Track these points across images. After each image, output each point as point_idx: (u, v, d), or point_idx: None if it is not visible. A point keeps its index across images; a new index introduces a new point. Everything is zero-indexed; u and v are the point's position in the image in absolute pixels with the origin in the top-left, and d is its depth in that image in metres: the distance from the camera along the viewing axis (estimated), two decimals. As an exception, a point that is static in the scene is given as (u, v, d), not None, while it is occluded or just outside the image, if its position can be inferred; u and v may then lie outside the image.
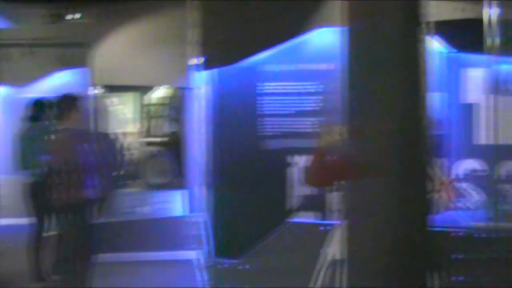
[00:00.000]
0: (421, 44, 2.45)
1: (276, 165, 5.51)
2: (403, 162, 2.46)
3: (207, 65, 5.64)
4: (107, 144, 8.50)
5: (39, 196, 6.30)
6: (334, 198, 5.37)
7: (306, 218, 5.36)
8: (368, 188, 2.50)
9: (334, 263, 3.74)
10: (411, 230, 2.47)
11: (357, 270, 2.54)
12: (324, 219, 5.38)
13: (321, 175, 3.75)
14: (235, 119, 5.60)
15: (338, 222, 5.13)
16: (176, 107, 8.51)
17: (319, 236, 5.25)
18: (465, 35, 5.15)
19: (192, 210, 7.99)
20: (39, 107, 6.81)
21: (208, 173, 6.36)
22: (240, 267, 5.45)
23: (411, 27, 2.46)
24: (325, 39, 5.40)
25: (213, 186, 5.83)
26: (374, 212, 2.49)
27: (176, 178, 8.34)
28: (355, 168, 3.70)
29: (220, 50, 5.53)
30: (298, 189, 5.43)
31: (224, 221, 5.64)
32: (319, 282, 3.73)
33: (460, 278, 4.74)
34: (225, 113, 5.65)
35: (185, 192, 8.17)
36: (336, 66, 5.38)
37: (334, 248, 3.78)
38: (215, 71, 5.75)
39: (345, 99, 2.58)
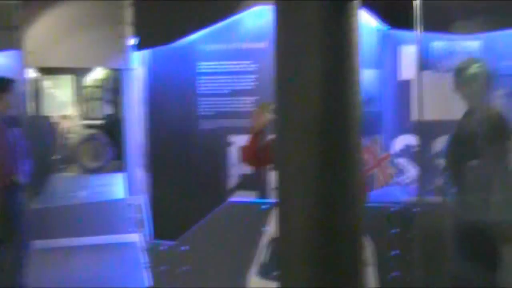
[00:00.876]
0: (353, 21, 2.42)
1: (214, 145, 5.47)
2: (332, 143, 2.42)
3: (141, 45, 5.54)
4: (42, 128, 8.36)
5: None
6: (273, 177, 5.40)
7: (246, 197, 5.34)
8: (295, 170, 2.46)
9: (274, 241, 3.72)
10: (341, 212, 2.44)
11: (288, 252, 2.51)
12: (264, 198, 5.38)
13: (256, 155, 3.77)
14: (171, 100, 5.53)
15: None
16: (112, 89, 8.37)
17: (259, 215, 5.26)
18: (399, 12, 5.19)
19: (131, 193, 7.92)
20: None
21: (146, 155, 6.29)
22: (179, 248, 5.40)
23: (341, 3, 2.41)
24: (259, 18, 5.37)
25: (151, 167, 5.76)
26: (301, 194, 2.45)
27: (114, 161, 8.23)
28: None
29: (153, 30, 5.44)
30: (238, 168, 5.41)
31: (163, 202, 5.59)
32: (261, 260, 3.71)
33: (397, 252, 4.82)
34: (160, 93, 5.57)
35: (124, 175, 8.09)
36: (269, 44, 5.40)
37: (274, 227, 3.78)
38: (149, 51, 5.65)
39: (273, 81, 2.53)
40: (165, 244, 5.52)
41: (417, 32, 3.10)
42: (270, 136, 3.93)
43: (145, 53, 5.70)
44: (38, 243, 6.25)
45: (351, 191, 2.48)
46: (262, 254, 3.77)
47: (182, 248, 5.41)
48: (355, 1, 2.43)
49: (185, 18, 5.30)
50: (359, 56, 2.45)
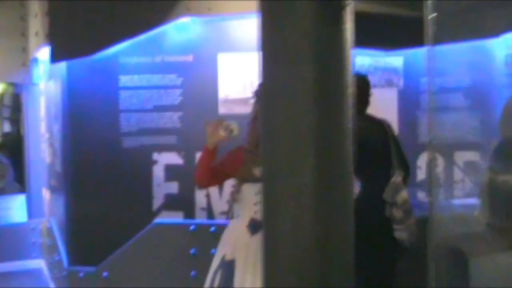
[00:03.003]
0: (345, 28, 2.27)
1: (138, 163, 5.18)
2: (326, 153, 2.26)
3: (54, 58, 5.16)
4: None
5: None
6: (202, 197, 5.19)
7: (173, 218, 5.08)
8: (285, 182, 2.28)
9: (225, 264, 3.53)
10: (336, 225, 2.29)
11: (276, 271, 2.32)
12: (192, 218, 5.14)
13: (210, 174, 3.63)
14: (91, 116, 5.19)
15: (224, 221, 4.99)
16: (11, 105, 7.86)
17: (188, 236, 5.03)
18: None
19: (34, 215, 7.45)
20: None
21: (57, 175, 5.89)
22: (100, 275, 5.07)
23: (332, 9, 2.25)
24: (185, 30, 5.16)
25: (68, 188, 5.38)
26: (290, 211, 2.27)
27: (13, 183, 7.70)
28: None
29: (70, 41, 5.09)
30: (163, 188, 5.15)
31: (82, 225, 5.22)
32: (215, 284, 3.52)
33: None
34: (79, 109, 5.22)
35: (23, 197, 7.59)
36: (194, 57, 5.20)
37: (225, 249, 3.59)
38: (63, 64, 5.29)
39: (260, 93, 2.34)
40: (84, 270, 5.17)
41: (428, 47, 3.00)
42: (224, 154, 3.76)
43: (61, 65, 5.33)
44: None
45: (346, 202, 2.32)
46: (211, 279, 3.58)
47: (104, 274, 5.09)
48: (347, 7, 2.27)
49: (105, 28, 4.99)
50: (350, 64, 2.30)
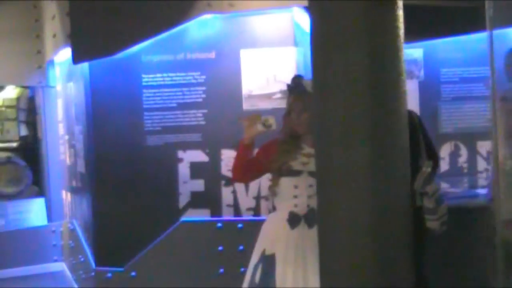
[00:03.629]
0: (397, 16, 2.25)
1: (163, 161, 5.16)
2: (376, 144, 2.24)
3: (76, 59, 5.14)
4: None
5: None
6: (228, 193, 5.17)
7: (199, 216, 5.07)
8: (338, 175, 2.27)
9: (265, 258, 3.50)
10: (393, 218, 2.27)
11: (331, 269, 2.30)
12: (219, 215, 5.13)
13: (247, 169, 3.60)
14: (115, 115, 5.18)
15: (251, 218, 5.02)
16: (29, 108, 7.86)
17: (215, 234, 5.02)
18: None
19: (53, 218, 7.45)
20: None
21: (80, 177, 5.89)
22: (128, 275, 5.06)
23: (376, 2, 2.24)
24: (207, 27, 5.14)
25: (89, 189, 5.37)
26: (345, 199, 2.26)
27: (32, 186, 7.70)
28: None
29: (92, 41, 5.07)
30: (189, 185, 5.13)
31: (107, 226, 5.21)
32: (255, 279, 3.49)
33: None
34: (102, 109, 5.21)
35: (44, 200, 7.60)
36: (217, 54, 5.19)
37: (265, 243, 3.56)
38: (85, 64, 5.28)
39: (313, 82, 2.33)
40: (112, 270, 5.16)
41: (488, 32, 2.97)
42: (261, 149, 3.75)
43: (81, 66, 5.32)
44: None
45: (402, 196, 2.31)
46: (251, 275, 3.55)
47: (132, 274, 5.08)
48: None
49: (127, 28, 4.97)
50: (403, 52, 2.29)
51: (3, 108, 7.78)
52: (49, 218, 7.52)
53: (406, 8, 5.06)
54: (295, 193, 3.49)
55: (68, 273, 6.76)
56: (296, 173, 3.50)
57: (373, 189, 2.14)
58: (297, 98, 3.50)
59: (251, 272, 3.55)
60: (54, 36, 6.19)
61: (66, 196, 7.02)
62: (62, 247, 7.07)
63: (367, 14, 2.19)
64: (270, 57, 5.09)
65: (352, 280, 2.23)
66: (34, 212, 7.53)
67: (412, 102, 5.70)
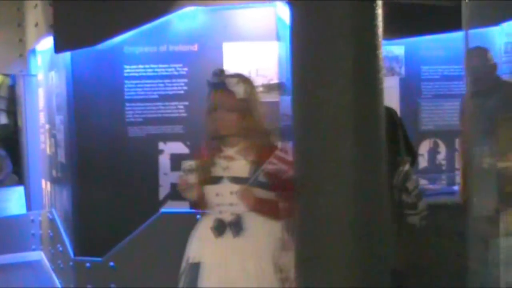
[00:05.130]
0: (376, 14, 2.29)
1: (144, 153, 5.17)
2: (359, 137, 2.28)
3: (58, 48, 5.13)
4: None
5: None
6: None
7: (179, 207, 5.08)
8: (320, 169, 2.30)
9: (189, 267, 3.36)
10: (375, 212, 2.31)
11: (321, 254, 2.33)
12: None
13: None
14: (96, 106, 5.18)
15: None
16: (7, 97, 7.82)
17: (195, 225, 5.02)
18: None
19: (32, 207, 7.43)
20: None
21: (61, 166, 5.88)
22: (107, 265, 5.07)
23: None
24: (190, 19, 5.15)
25: (72, 178, 5.36)
26: (327, 194, 2.29)
27: (11, 175, 7.67)
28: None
29: (74, 31, 5.06)
30: (169, 177, 5.14)
31: (87, 216, 5.21)
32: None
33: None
34: (84, 99, 5.20)
35: (22, 189, 7.57)
36: (199, 47, 5.20)
37: (190, 251, 3.42)
38: (66, 54, 5.27)
39: (290, 87, 2.36)
40: (90, 260, 5.16)
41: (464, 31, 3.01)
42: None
43: (63, 56, 5.30)
44: None
45: (383, 191, 2.34)
46: (179, 283, 3.40)
47: (111, 264, 5.08)
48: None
49: (110, 18, 4.97)
50: (381, 50, 2.33)
51: (-18, 97, 7.74)
52: (28, 207, 7.50)
53: (388, 5, 5.12)
54: (217, 201, 3.29)
55: (46, 262, 6.75)
56: (216, 180, 3.29)
57: (355, 183, 2.17)
58: (220, 95, 3.26)
59: (179, 279, 3.41)
60: (36, 25, 6.18)
61: (45, 186, 7.01)
62: (41, 236, 7.05)
63: (348, 12, 2.22)
64: (253, 51, 5.10)
65: (331, 274, 2.26)
66: (13, 201, 7.51)
67: (393, 98, 5.77)
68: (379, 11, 2.28)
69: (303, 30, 2.31)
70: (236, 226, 3.21)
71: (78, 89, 5.20)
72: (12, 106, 7.85)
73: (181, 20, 5.14)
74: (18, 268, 6.88)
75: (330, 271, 2.26)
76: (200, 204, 3.44)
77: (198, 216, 4.97)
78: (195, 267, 3.27)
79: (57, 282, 6.08)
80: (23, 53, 7.14)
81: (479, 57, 4.87)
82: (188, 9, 5.05)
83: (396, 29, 5.42)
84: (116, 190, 5.18)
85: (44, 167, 6.98)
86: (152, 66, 5.17)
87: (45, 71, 6.65)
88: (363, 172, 2.22)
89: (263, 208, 3.22)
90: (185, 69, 5.17)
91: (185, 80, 5.17)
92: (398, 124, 4.46)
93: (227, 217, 3.24)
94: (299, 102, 2.31)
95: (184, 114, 5.18)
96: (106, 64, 5.18)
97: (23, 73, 7.23)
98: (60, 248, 5.85)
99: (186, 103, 5.17)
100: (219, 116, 3.25)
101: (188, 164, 3.33)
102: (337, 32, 2.21)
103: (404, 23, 5.30)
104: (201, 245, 3.32)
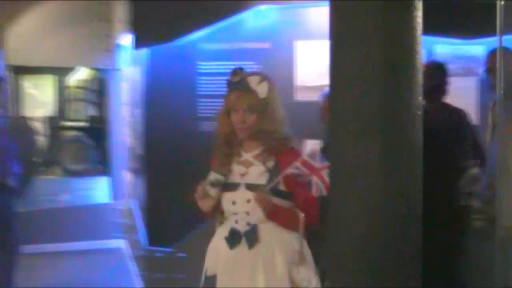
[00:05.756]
0: (416, 16, 2.27)
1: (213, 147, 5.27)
2: (391, 139, 2.27)
3: (138, 44, 5.35)
4: (23, 129, 8.06)
5: None
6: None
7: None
8: (349, 169, 2.31)
9: (206, 279, 3.16)
10: (400, 217, 2.29)
11: (341, 254, 2.35)
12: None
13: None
14: (170, 101, 5.34)
15: None
16: (97, 90, 8.14)
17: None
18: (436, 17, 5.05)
19: (116, 197, 7.71)
20: None
21: (139, 158, 6.08)
22: (176, 255, 5.22)
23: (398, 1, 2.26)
24: (263, 17, 5.22)
25: (146, 171, 5.55)
26: (356, 193, 2.30)
27: (97, 164, 7.99)
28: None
29: (152, 28, 5.25)
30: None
31: (159, 207, 5.38)
32: None
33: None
34: (158, 94, 5.38)
35: (107, 178, 7.87)
36: (271, 45, 5.26)
37: (207, 263, 3.21)
38: (146, 50, 5.46)
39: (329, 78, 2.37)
40: (161, 251, 5.34)
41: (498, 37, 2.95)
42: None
43: (142, 52, 5.50)
44: (22, 248, 5.99)
45: (413, 185, 2.32)
46: None
47: (180, 255, 5.23)
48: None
49: (186, 16, 5.12)
50: (421, 53, 2.31)
51: (74, 89, 8.07)
52: (112, 196, 7.79)
53: (465, 6, 4.98)
54: (234, 209, 3.04)
55: (126, 250, 7.00)
56: (233, 187, 3.06)
57: (383, 186, 2.18)
58: (240, 95, 3.03)
59: None
60: (120, 20, 6.41)
61: (127, 177, 7.26)
62: (122, 225, 7.32)
63: (382, 13, 2.23)
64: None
65: (361, 278, 2.28)
66: (98, 189, 7.82)
67: (471, 99, 5.62)
68: (416, 13, 2.27)
69: (337, 29, 2.33)
70: (252, 237, 2.99)
71: (153, 84, 5.38)
72: (100, 99, 8.16)
73: (254, 18, 5.21)
74: (99, 254, 7.16)
75: (358, 276, 2.27)
76: (213, 214, 3.20)
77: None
78: (212, 280, 3.07)
79: (134, 269, 6.30)
80: (110, 48, 7.41)
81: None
82: (261, 7, 5.12)
83: (476, 29, 5.30)
84: (186, 183, 5.30)
85: (126, 159, 7.23)
86: (225, 63, 5.27)
87: (128, 65, 6.90)
88: (391, 176, 2.21)
89: (281, 216, 3.02)
90: (257, 66, 5.24)
91: (257, 77, 5.23)
92: (466, 126, 4.38)
93: (243, 227, 3.02)
94: (332, 104, 2.34)
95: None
96: (181, 61, 5.34)
97: (109, 67, 7.50)
98: (136, 237, 6.06)
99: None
100: (239, 118, 3.04)
101: (215, 176, 3.08)
102: (365, 33, 2.22)
103: (484, 22, 5.17)
104: (217, 257, 3.11)
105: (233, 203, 3.04)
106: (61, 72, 8.10)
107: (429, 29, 4.06)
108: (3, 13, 7.29)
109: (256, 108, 3.01)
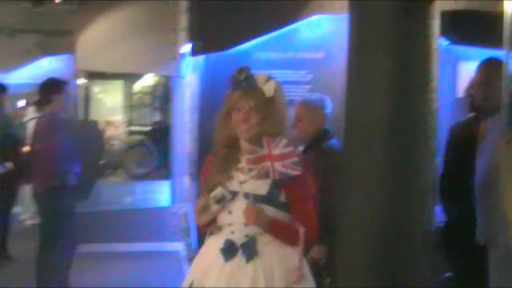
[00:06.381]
0: (430, 24, 2.28)
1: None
2: (399, 148, 2.28)
3: (194, 52, 5.50)
4: (90, 132, 8.37)
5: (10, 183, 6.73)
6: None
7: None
8: (360, 174, 2.33)
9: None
10: (408, 223, 2.30)
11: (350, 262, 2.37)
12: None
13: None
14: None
15: None
16: (162, 96, 8.36)
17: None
18: (461, 27, 5.01)
19: (176, 201, 7.88)
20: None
21: (194, 163, 6.22)
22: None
23: (415, 6, 2.28)
24: (317, 27, 5.27)
25: (197, 176, 5.67)
26: (362, 200, 2.31)
27: (159, 169, 8.20)
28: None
29: (209, 37, 5.39)
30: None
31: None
32: None
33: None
34: (213, 101, 5.47)
35: (169, 182, 8.06)
36: (325, 54, 5.30)
37: (194, 274, 2.95)
38: (202, 58, 5.60)
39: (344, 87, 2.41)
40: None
41: (505, 51, 2.91)
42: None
43: (199, 59, 5.64)
44: (81, 247, 6.22)
45: (419, 199, 2.33)
46: None
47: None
48: (434, 3, 2.30)
49: (242, 25, 5.24)
50: (437, 63, 2.32)
51: (141, 95, 8.31)
52: (173, 200, 7.96)
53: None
54: (230, 220, 2.78)
55: (183, 253, 7.14)
56: (231, 195, 2.79)
57: (389, 195, 2.20)
58: (245, 94, 2.85)
59: None
60: (183, 30, 6.58)
61: (186, 181, 7.42)
62: (179, 228, 7.47)
63: (397, 22, 2.25)
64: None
65: (371, 278, 2.30)
66: (159, 193, 8.00)
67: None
68: (432, 22, 2.28)
69: (354, 39, 2.37)
70: (250, 249, 2.72)
71: (209, 90, 5.50)
72: (165, 105, 8.37)
73: (308, 27, 5.27)
74: (157, 256, 7.31)
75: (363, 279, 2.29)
76: (209, 226, 2.90)
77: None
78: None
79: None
80: (175, 56, 7.58)
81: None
82: (315, 17, 5.18)
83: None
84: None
85: (186, 164, 7.39)
86: (278, 71, 5.34)
87: (191, 73, 7.07)
88: (397, 186, 2.22)
89: (278, 231, 2.78)
90: (310, 75, 5.29)
91: (310, 86, 5.29)
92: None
93: (240, 239, 2.75)
94: (347, 111, 2.38)
95: (308, 119, 5.29)
96: (235, 68, 5.42)
97: (174, 74, 7.67)
98: (188, 241, 6.19)
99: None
100: (242, 117, 2.84)
101: (222, 192, 2.77)
102: (382, 43, 2.25)
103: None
104: (208, 268, 2.82)
105: (230, 212, 2.78)
106: (128, 78, 8.35)
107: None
108: (74, 21, 7.60)
109: (261, 108, 2.81)
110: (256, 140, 2.81)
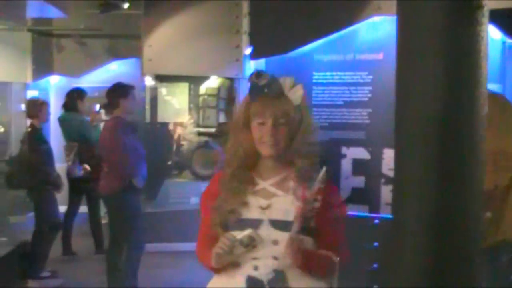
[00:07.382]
0: (481, 29, 2.29)
1: (328, 156, 5.39)
2: (451, 151, 2.30)
3: (256, 55, 5.59)
4: (158, 134, 8.57)
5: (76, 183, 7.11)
6: (388, 192, 5.26)
7: (358, 211, 5.24)
8: (411, 177, 2.36)
9: None
10: (460, 222, 2.32)
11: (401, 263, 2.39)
12: (377, 212, 5.26)
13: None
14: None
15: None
16: (226, 97, 8.48)
17: (372, 229, 5.16)
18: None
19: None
20: (74, 97, 7.08)
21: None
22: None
23: (468, 8, 2.29)
24: (376, 29, 5.28)
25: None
26: (417, 203, 2.34)
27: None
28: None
29: (270, 39, 5.47)
30: (350, 181, 5.32)
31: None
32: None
33: None
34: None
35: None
36: (384, 56, 5.30)
37: None
38: (264, 60, 5.69)
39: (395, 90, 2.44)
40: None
41: None
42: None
43: (260, 62, 5.73)
44: (149, 246, 6.39)
45: (470, 201, 2.34)
46: None
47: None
48: (484, 8, 2.30)
49: (301, 28, 5.30)
50: (487, 68, 2.33)
51: (206, 96, 8.45)
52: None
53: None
54: (254, 254, 2.34)
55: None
56: (252, 224, 2.37)
57: (437, 195, 2.23)
58: (270, 102, 2.39)
59: None
60: (245, 32, 6.69)
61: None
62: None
63: (446, 28, 2.28)
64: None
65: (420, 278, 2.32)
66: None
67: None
68: (482, 28, 2.29)
69: (402, 44, 2.40)
70: (280, 285, 2.32)
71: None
72: (231, 107, 8.48)
73: (367, 29, 5.28)
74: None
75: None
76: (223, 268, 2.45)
77: (376, 221, 5.12)
78: None
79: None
80: (239, 58, 7.69)
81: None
82: (375, 19, 5.18)
83: None
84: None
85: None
86: (339, 73, 5.38)
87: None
88: (446, 186, 2.24)
89: (314, 263, 2.36)
90: (370, 77, 5.30)
91: (370, 88, 5.30)
92: None
93: (266, 275, 2.33)
94: (397, 116, 2.41)
95: (367, 121, 5.32)
96: (296, 71, 5.49)
97: (238, 76, 7.79)
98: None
99: (370, 110, 5.31)
100: (266, 131, 2.39)
101: (249, 235, 2.34)
102: (431, 48, 2.27)
103: None
104: None
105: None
106: (194, 80, 8.51)
107: None
108: (141, 25, 7.80)
109: (291, 119, 2.40)
110: (280, 158, 2.46)
